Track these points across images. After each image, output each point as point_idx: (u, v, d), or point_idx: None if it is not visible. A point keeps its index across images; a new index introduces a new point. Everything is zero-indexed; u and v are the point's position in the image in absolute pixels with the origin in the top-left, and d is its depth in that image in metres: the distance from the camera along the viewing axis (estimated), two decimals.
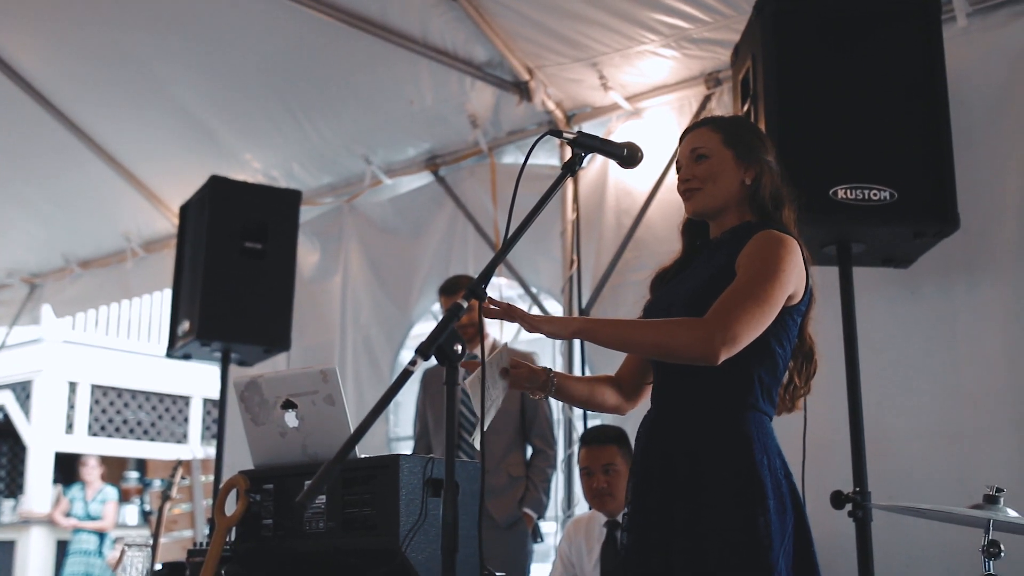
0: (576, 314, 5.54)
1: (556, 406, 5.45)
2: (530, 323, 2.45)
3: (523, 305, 6.59)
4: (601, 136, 2.67)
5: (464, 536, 2.14)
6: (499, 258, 2.28)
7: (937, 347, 4.30)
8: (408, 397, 5.97)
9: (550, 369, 2.71)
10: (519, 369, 2.65)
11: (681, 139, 2.79)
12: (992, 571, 2.73)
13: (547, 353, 5.63)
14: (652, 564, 2.49)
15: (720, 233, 2.72)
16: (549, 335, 2.50)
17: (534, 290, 6.05)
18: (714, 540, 2.41)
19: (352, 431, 2.04)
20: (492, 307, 2.42)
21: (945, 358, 4.27)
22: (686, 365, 2.51)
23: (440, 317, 5.80)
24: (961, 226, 3.66)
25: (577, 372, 5.46)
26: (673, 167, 2.90)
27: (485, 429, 2.38)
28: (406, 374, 1.99)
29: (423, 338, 2.07)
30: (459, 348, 2.08)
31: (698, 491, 2.46)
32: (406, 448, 6.14)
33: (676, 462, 2.52)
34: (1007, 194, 4.18)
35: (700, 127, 2.78)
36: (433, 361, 2.09)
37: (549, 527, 5.58)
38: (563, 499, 5.48)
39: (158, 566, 3.30)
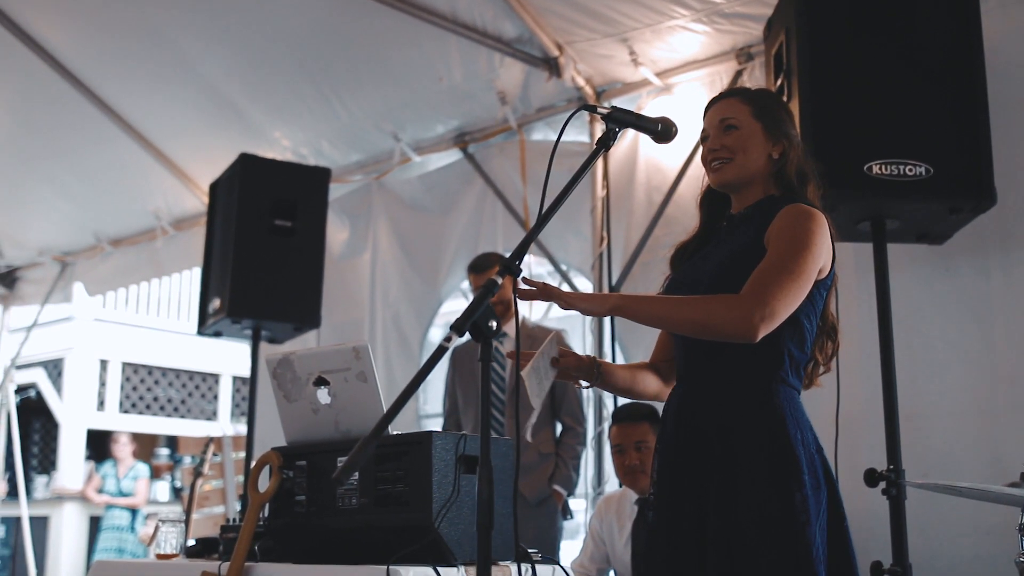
0: (607, 291, 5.52)
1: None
2: (566, 301, 2.43)
3: (553, 282, 6.60)
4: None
5: (497, 513, 2.14)
6: (533, 235, 2.26)
7: (971, 325, 4.25)
8: (437, 375, 5.97)
9: (595, 358, 2.72)
10: (567, 358, 2.66)
11: (707, 109, 2.76)
12: None
13: (577, 331, 5.61)
14: (685, 541, 2.48)
15: (744, 207, 2.69)
16: (585, 313, 2.48)
17: (564, 267, 6.03)
18: (751, 516, 2.39)
19: (384, 408, 2.04)
20: (527, 287, 2.40)
21: (979, 336, 4.23)
22: (714, 342, 2.50)
23: (469, 295, 5.82)
24: (997, 202, 3.62)
25: (607, 351, 5.45)
26: None
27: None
28: (441, 350, 1.99)
29: (452, 315, 2.06)
30: (493, 324, 2.07)
31: (733, 467, 2.45)
32: (435, 425, 6.15)
33: (710, 438, 2.50)
34: None
35: (729, 97, 2.75)
36: (461, 339, 2.09)
37: (579, 504, 5.58)
38: (593, 476, 5.47)
39: (191, 541, 3.33)
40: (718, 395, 2.54)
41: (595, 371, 2.68)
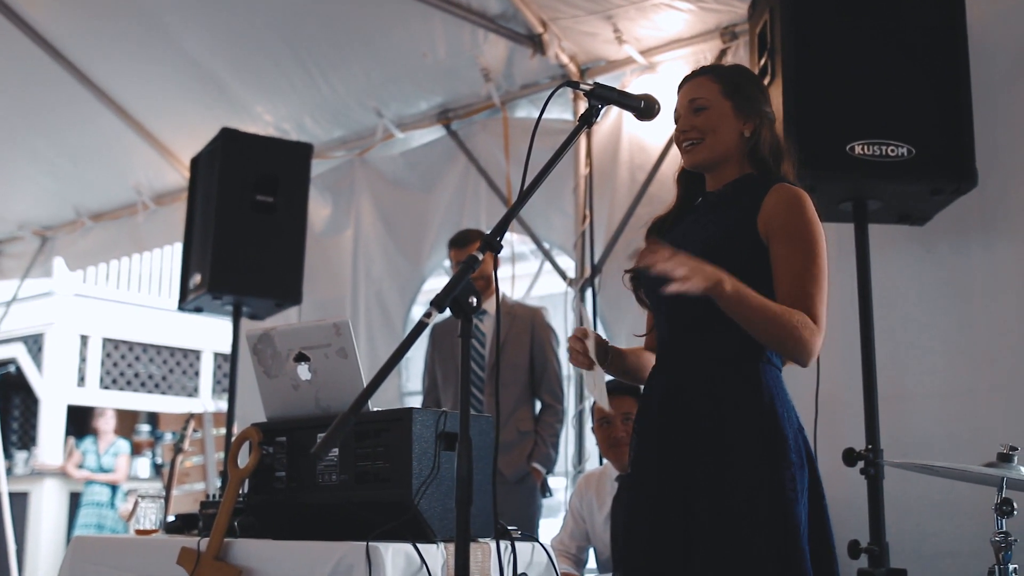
0: (588, 270, 5.52)
1: (564, 361, 5.44)
2: (692, 271, 2.31)
3: (535, 261, 6.60)
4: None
5: (476, 490, 2.14)
6: (514, 211, 2.26)
7: (951, 305, 4.27)
8: (418, 352, 5.97)
9: (608, 341, 2.73)
10: (601, 342, 2.68)
11: (680, 88, 2.75)
12: (1005, 529, 2.73)
13: (559, 310, 5.62)
14: (668, 517, 2.48)
15: (720, 186, 2.69)
16: (690, 288, 2.31)
17: (546, 245, 6.02)
18: (741, 493, 2.41)
19: (365, 384, 2.04)
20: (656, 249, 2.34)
21: (959, 316, 4.25)
22: (700, 320, 2.52)
23: (451, 271, 5.81)
24: (978, 184, 3.63)
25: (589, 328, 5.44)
26: None
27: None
28: (421, 326, 1.98)
29: (435, 293, 2.06)
30: (474, 301, 2.07)
31: (722, 444, 2.46)
32: (417, 402, 6.15)
33: (698, 416, 2.51)
34: None
35: (699, 76, 2.74)
36: (441, 316, 2.08)
37: (559, 482, 5.60)
38: (574, 455, 5.49)
39: (171, 518, 3.33)
40: (705, 374, 2.55)
41: (609, 354, 2.70)
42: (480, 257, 2.09)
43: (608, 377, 2.74)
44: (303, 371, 2.82)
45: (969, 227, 4.19)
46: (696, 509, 2.45)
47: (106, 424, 11.20)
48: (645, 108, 2.54)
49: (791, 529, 2.38)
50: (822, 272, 2.48)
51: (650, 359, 2.82)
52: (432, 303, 2.00)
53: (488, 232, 2.17)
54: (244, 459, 2.86)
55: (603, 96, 2.46)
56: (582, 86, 2.45)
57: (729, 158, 2.67)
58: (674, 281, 2.28)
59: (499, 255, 2.25)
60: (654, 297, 2.68)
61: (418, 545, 2.45)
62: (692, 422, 2.51)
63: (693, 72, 2.79)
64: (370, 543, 2.39)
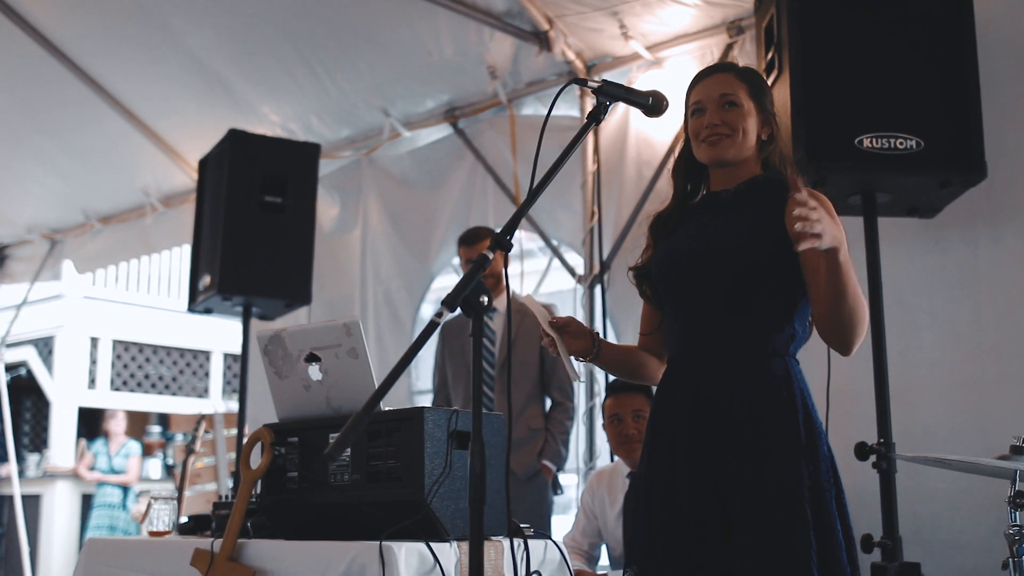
0: (597, 266, 5.52)
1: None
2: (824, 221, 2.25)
3: (543, 259, 6.60)
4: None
5: (489, 488, 2.14)
6: (524, 209, 2.26)
7: (960, 298, 4.26)
8: (428, 351, 5.97)
9: (597, 333, 2.73)
10: (572, 324, 2.68)
11: (698, 81, 2.74)
12: (1019, 522, 2.72)
13: (567, 306, 5.62)
14: (706, 513, 2.47)
15: (733, 185, 2.69)
16: (820, 243, 2.26)
17: (555, 242, 6.02)
18: (777, 488, 2.42)
19: (376, 384, 2.04)
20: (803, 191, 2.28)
21: (968, 309, 4.24)
22: (724, 312, 2.54)
23: (460, 269, 5.81)
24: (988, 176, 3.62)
25: (599, 326, 5.45)
26: None
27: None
28: (432, 325, 1.98)
29: (443, 291, 2.06)
30: (485, 299, 2.07)
31: (758, 439, 2.47)
32: (427, 401, 6.16)
33: (730, 411, 2.50)
34: None
35: (724, 72, 2.73)
36: (451, 314, 2.08)
37: (570, 479, 5.60)
38: (584, 451, 5.49)
39: (184, 519, 3.34)
40: (735, 367, 2.54)
41: (595, 345, 2.69)
42: (491, 256, 2.09)
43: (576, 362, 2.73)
44: (314, 371, 2.82)
45: (977, 219, 4.18)
46: (732, 503, 2.44)
47: (117, 426, 11.24)
48: (653, 104, 2.54)
49: (827, 524, 2.41)
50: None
51: (641, 355, 2.83)
52: (443, 302, 2.00)
53: (497, 230, 2.18)
54: (256, 460, 2.87)
55: (611, 93, 2.46)
56: (590, 84, 2.45)
57: (748, 158, 2.68)
58: (810, 236, 2.22)
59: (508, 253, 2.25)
60: (669, 288, 2.68)
61: (431, 544, 2.46)
62: (723, 415, 2.50)
63: (714, 67, 2.79)
64: (383, 542, 2.39)
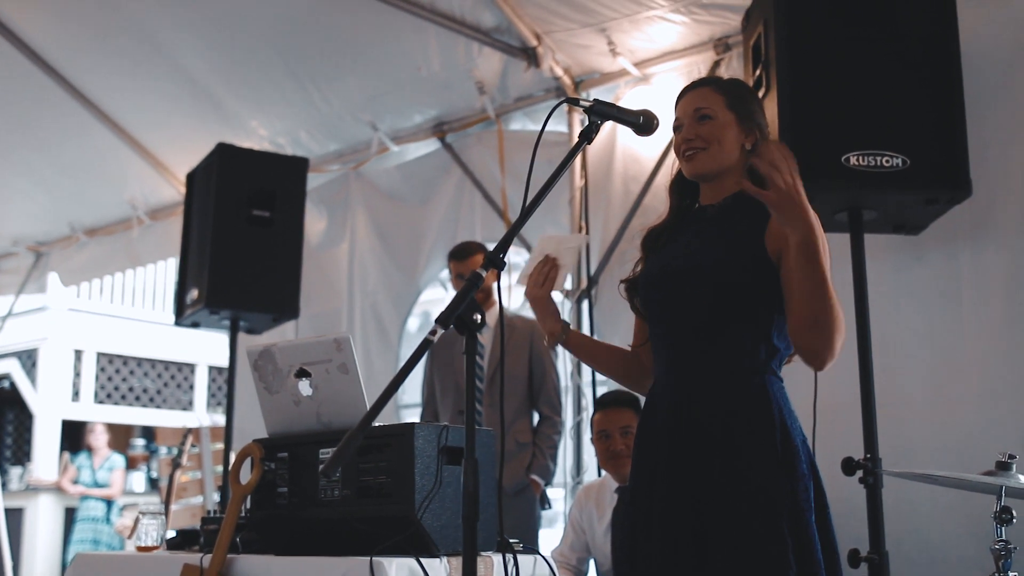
0: (584, 281, 5.54)
1: (564, 373, 5.45)
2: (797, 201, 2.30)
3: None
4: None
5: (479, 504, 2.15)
6: (517, 227, 2.28)
7: (941, 313, 4.29)
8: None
9: (567, 322, 2.80)
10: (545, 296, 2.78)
11: (680, 97, 2.77)
12: (1004, 537, 2.74)
13: None
14: (681, 531, 2.48)
15: (719, 199, 2.71)
16: (786, 221, 2.34)
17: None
18: (755, 507, 2.42)
19: (365, 399, 2.05)
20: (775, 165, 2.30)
21: (949, 324, 4.27)
22: (706, 326, 2.56)
23: (448, 284, 5.81)
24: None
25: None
26: None
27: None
28: (426, 343, 1.99)
29: (430, 305, 2.08)
30: (478, 318, 2.08)
31: (734, 457, 2.48)
32: (414, 415, 6.15)
33: (709, 427, 2.51)
34: (1016, 161, 4.15)
35: (702, 87, 2.76)
36: (444, 331, 2.10)
37: (557, 494, 5.60)
38: (572, 466, 5.50)
39: (171, 533, 3.33)
40: (714, 385, 2.56)
41: (564, 329, 2.78)
42: (483, 274, 2.11)
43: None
44: (304, 387, 2.82)
45: (959, 236, 4.21)
46: (709, 521, 2.45)
47: (97, 440, 11.17)
48: (644, 123, 2.55)
49: (806, 542, 2.40)
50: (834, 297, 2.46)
51: (614, 352, 2.89)
52: (437, 320, 2.01)
53: (485, 244, 2.19)
54: (246, 475, 2.86)
55: (603, 113, 2.48)
56: (582, 103, 2.47)
57: (730, 169, 2.69)
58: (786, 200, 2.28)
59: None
60: (653, 305, 2.70)
61: (421, 560, 2.46)
62: (702, 434, 2.52)
63: (694, 83, 2.81)
64: (373, 558, 2.40)
